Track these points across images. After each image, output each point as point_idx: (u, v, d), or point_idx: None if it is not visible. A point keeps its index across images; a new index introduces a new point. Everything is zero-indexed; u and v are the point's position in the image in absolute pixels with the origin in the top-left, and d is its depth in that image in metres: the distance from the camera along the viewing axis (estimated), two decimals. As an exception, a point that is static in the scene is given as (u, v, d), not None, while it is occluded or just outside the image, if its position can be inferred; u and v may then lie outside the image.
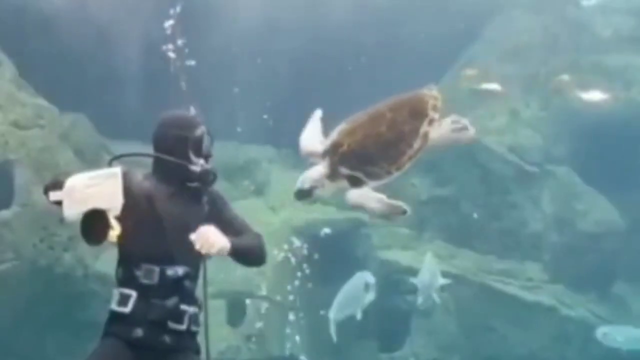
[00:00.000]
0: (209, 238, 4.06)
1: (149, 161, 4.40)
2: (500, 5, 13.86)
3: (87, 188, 3.95)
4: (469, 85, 13.34)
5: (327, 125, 4.80)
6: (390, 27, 13.09)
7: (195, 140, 4.32)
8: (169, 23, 11.36)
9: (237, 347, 11.09)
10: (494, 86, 13.23)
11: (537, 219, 12.31)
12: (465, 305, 11.73)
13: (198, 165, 4.31)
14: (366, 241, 12.02)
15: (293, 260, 11.51)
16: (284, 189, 11.32)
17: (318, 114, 4.88)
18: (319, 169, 4.52)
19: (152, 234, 4.17)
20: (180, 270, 4.20)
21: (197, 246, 4.05)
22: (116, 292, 4.19)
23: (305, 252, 11.47)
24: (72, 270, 10.64)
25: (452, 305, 11.71)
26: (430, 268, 10.93)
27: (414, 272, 11.07)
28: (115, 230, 3.98)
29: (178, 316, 4.18)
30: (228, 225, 4.33)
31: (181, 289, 4.20)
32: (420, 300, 10.90)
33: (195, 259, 4.27)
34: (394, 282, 11.61)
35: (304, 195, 4.53)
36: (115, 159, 4.34)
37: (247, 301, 11.29)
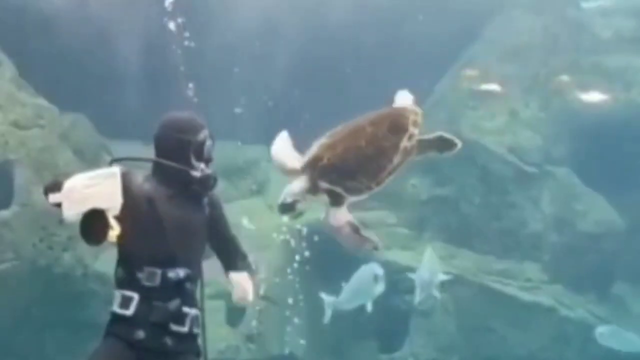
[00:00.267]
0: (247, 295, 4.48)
1: (149, 162, 4.40)
2: (500, 6, 13.85)
3: (86, 188, 3.95)
4: (468, 86, 13.35)
5: (307, 138, 4.78)
6: (391, 27, 13.09)
7: (197, 145, 4.32)
8: (169, 22, 11.37)
9: (236, 346, 11.10)
10: (493, 86, 13.23)
11: (537, 220, 12.32)
12: (464, 305, 11.74)
13: (199, 169, 4.31)
14: (365, 241, 12.01)
15: (292, 260, 11.51)
16: (283, 189, 11.31)
17: (284, 135, 4.80)
18: (300, 183, 4.49)
19: (154, 236, 4.17)
20: (181, 273, 4.21)
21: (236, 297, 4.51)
22: (117, 294, 4.18)
23: (304, 252, 11.47)
24: (71, 270, 10.65)
25: (452, 305, 11.71)
26: (429, 264, 10.89)
27: (413, 272, 11.06)
28: (114, 230, 3.98)
29: (180, 318, 4.19)
30: (224, 241, 4.49)
31: (182, 291, 4.21)
32: (418, 297, 10.83)
33: (195, 261, 4.31)
34: (394, 282, 11.60)
35: (286, 209, 4.51)
36: (115, 162, 4.34)
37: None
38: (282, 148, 4.72)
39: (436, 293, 10.82)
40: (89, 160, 11.21)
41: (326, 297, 10.97)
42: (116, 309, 4.16)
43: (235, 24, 12.13)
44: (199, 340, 4.34)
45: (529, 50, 13.42)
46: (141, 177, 4.28)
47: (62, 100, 11.45)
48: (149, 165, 4.40)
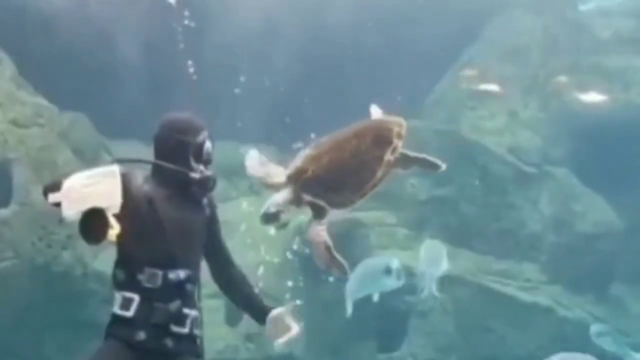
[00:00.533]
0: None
1: (145, 165, 4.41)
2: (500, 6, 13.86)
3: (85, 187, 3.94)
4: (468, 86, 13.36)
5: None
6: (391, 28, 13.10)
7: (196, 146, 4.31)
8: (168, 22, 11.38)
9: (235, 346, 11.11)
10: (493, 87, 13.24)
11: (536, 220, 12.32)
12: (463, 305, 11.74)
13: (198, 171, 4.31)
14: (364, 241, 12.02)
15: (291, 260, 11.52)
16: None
17: (254, 154, 4.78)
18: (284, 195, 4.50)
19: (155, 237, 4.17)
20: (182, 274, 4.21)
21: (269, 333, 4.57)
22: (118, 296, 4.18)
23: (304, 250, 11.47)
24: (70, 269, 10.64)
25: (450, 305, 11.72)
26: (430, 256, 10.72)
27: (412, 272, 11.05)
28: (114, 229, 3.96)
29: (180, 319, 4.20)
30: (219, 247, 4.50)
31: (183, 293, 4.22)
32: (422, 291, 10.67)
33: (196, 262, 4.33)
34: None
35: (270, 219, 4.52)
36: (115, 162, 4.34)
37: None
38: (258, 165, 4.69)
39: (434, 290, 10.68)
40: (89, 160, 11.21)
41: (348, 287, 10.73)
42: (116, 310, 4.16)
43: (235, 24, 12.13)
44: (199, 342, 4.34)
45: (528, 50, 13.43)
46: (140, 178, 4.28)
47: (61, 99, 11.45)
48: (148, 166, 4.40)
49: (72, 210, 3.90)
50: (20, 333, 10.35)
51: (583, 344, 11.41)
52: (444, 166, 4.73)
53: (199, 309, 4.32)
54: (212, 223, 4.46)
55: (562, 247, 12.22)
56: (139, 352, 4.10)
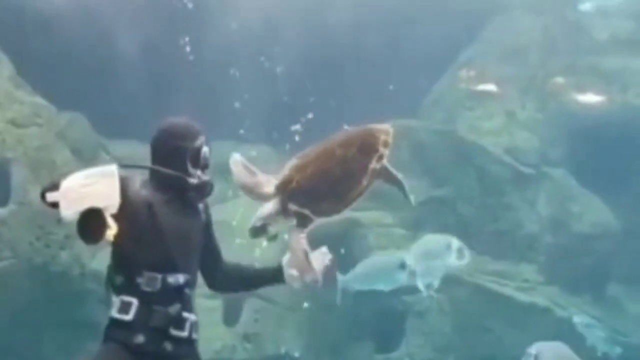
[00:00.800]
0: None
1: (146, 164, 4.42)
2: (499, 6, 13.88)
3: (84, 187, 3.94)
4: (466, 86, 13.37)
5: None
6: (391, 28, 13.11)
7: (193, 151, 4.33)
8: (167, 22, 11.38)
9: (232, 346, 11.11)
10: (491, 87, 13.25)
11: (533, 221, 12.33)
12: (460, 305, 11.75)
13: (195, 176, 4.33)
14: (362, 241, 12.03)
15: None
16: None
17: (236, 158, 4.72)
18: (271, 206, 4.50)
19: (154, 241, 4.19)
20: (181, 278, 4.23)
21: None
22: (116, 300, 4.17)
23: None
24: (68, 268, 10.65)
25: (448, 306, 11.73)
26: (424, 250, 10.45)
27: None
28: (112, 229, 3.97)
29: (180, 323, 4.20)
30: (213, 252, 4.55)
31: (182, 297, 4.23)
32: (421, 286, 10.42)
33: (194, 266, 4.34)
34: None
35: (257, 232, 4.53)
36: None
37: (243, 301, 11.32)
38: (246, 174, 4.64)
39: (429, 291, 10.53)
40: (87, 159, 11.21)
41: (339, 276, 10.62)
42: (115, 314, 4.16)
43: (235, 24, 12.14)
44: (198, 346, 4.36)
45: (527, 51, 13.44)
46: (138, 182, 4.28)
47: (59, 98, 11.45)
48: (146, 171, 4.41)
49: (70, 210, 3.91)
50: (18, 332, 10.36)
51: (580, 344, 11.43)
52: (413, 203, 4.83)
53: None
54: (207, 228, 4.50)
55: (559, 248, 12.23)
56: (137, 356, 4.10)
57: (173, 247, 4.22)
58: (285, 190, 4.49)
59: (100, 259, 10.17)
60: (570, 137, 12.72)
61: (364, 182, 4.50)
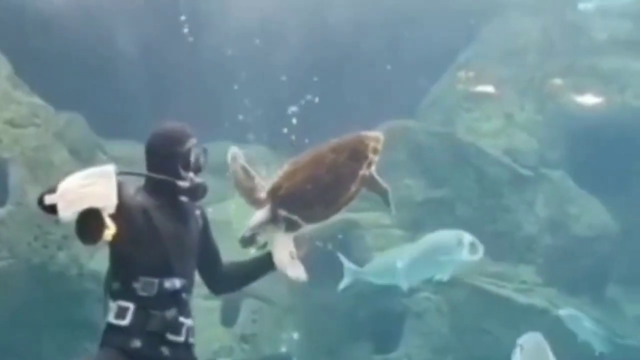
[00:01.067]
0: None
1: (141, 167, 4.42)
2: (497, 7, 13.88)
3: (81, 188, 3.92)
4: (464, 87, 13.37)
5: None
6: (390, 29, 13.12)
7: (183, 155, 4.33)
8: (166, 22, 11.38)
9: (230, 347, 11.11)
10: (489, 88, 13.26)
11: (531, 222, 12.33)
12: (458, 307, 11.75)
13: (187, 179, 4.33)
14: (360, 242, 12.03)
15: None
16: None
17: (235, 150, 4.72)
18: (261, 214, 4.52)
19: (150, 245, 4.19)
20: (178, 283, 4.23)
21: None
22: (113, 305, 4.17)
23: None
24: (66, 269, 10.64)
25: (446, 307, 11.73)
26: (434, 245, 10.29)
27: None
28: (110, 230, 3.96)
29: (176, 328, 4.20)
30: (214, 254, 4.54)
31: (179, 301, 4.23)
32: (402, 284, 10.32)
33: (190, 271, 4.34)
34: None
35: (247, 242, 4.54)
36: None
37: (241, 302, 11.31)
38: (244, 177, 4.66)
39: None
40: (85, 160, 11.20)
41: (347, 264, 10.52)
42: (111, 319, 4.16)
43: (234, 24, 12.14)
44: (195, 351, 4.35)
45: (525, 52, 13.45)
46: (133, 188, 4.29)
47: (57, 99, 11.44)
48: (143, 168, 4.42)
49: (68, 212, 3.89)
50: (16, 332, 10.35)
51: (579, 346, 11.43)
52: (393, 211, 4.84)
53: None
54: (205, 234, 4.49)
55: (557, 249, 12.24)
56: None
57: (169, 251, 4.22)
58: (275, 197, 4.51)
59: (98, 259, 10.17)
60: (569, 138, 12.72)
61: (353, 188, 4.53)
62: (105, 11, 12.14)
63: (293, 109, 11.64)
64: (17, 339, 10.36)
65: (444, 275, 10.26)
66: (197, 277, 4.49)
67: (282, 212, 4.48)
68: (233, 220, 9.92)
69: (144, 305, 4.13)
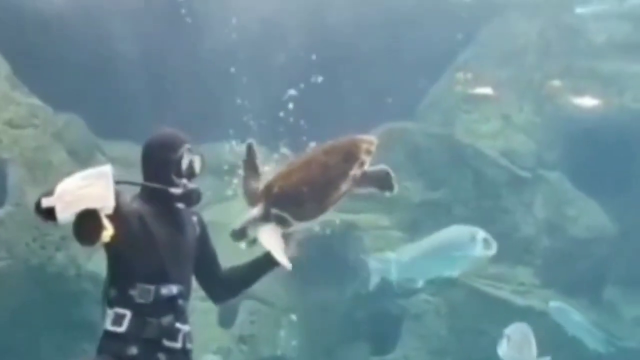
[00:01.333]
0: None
1: (139, 168, 4.44)
2: (496, 9, 13.89)
3: (79, 189, 3.91)
4: (463, 89, 13.37)
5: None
6: (388, 30, 13.12)
7: (175, 162, 4.36)
8: (165, 22, 11.38)
9: (228, 348, 11.11)
10: (487, 90, 13.26)
11: (529, 224, 12.34)
12: (456, 308, 11.75)
13: (180, 186, 4.35)
14: (358, 243, 12.03)
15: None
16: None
17: (252, 142, 4.83)
18: (254, 211, 4.59)
19: (146, 252, 4.22)
20: (174, 289, 4.25)
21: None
22: (110, 312, 4.20)
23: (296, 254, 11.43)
24: (64, 269, 10.65)
25: (444, 308, 11.74)
26: (446, 241, 10.02)
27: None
28: (108, 231, 3.96)
29: (173, 334, 4.22)
30: (212, 259, 4.58)
31: (175, 308, 4.25)
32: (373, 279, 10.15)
33: (187, 277, 4.37)
34: (386, 284, 11.60)
35: (237, 236, 4.60)
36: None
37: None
38: (252, 178, 4.75)
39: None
40: (83, 160, 11.22)
41: (373, 263, 10.25)
42: (108, 326, 4.18)
43: (234, 25, 12.14)
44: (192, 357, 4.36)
45: (523, 54, 13.45)
46: (129, 196, 4.32)
47: (56, 99, 11.45)
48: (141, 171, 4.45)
49: (66, 213, 3.89)
50: (15, 333, 10.35)
51: (576, 347, 11.44)
52: (396, 189, 4.85)
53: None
54: (202, 240, 4.52)
55: (555, 251, 12.24)
56: None
57: (165, 257, 4.25)
58: (269, 195, 4.57)
59: (96, 260, 10.18)
60: (567, 140, 12.73)
61: (343, 187, 4.59)
62: (104, 12, 12.14)
63: (292, 110, 11.64)
64: (15, 339, 10.37)
65: (457, 271, 10.12)
66: (195, 283, 4.51)
67: (274, 210, 4.54)
68: (234, 221, 9.92)
69: (140, 312, 4.15)
